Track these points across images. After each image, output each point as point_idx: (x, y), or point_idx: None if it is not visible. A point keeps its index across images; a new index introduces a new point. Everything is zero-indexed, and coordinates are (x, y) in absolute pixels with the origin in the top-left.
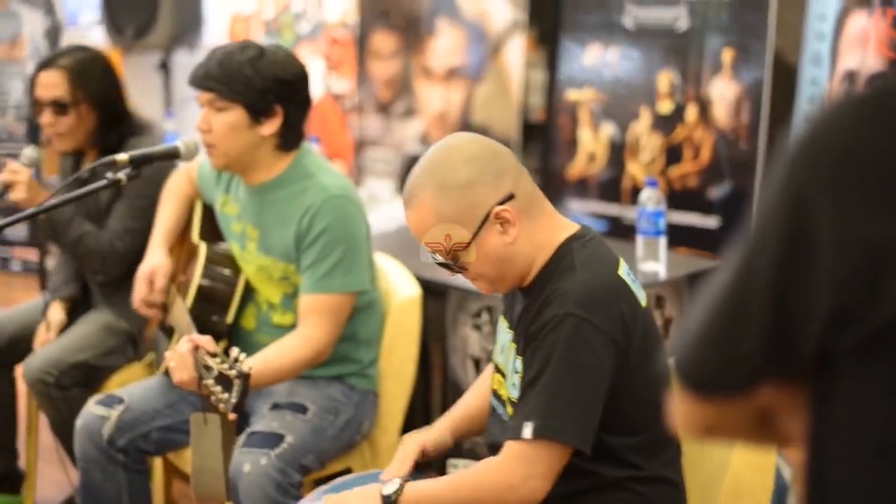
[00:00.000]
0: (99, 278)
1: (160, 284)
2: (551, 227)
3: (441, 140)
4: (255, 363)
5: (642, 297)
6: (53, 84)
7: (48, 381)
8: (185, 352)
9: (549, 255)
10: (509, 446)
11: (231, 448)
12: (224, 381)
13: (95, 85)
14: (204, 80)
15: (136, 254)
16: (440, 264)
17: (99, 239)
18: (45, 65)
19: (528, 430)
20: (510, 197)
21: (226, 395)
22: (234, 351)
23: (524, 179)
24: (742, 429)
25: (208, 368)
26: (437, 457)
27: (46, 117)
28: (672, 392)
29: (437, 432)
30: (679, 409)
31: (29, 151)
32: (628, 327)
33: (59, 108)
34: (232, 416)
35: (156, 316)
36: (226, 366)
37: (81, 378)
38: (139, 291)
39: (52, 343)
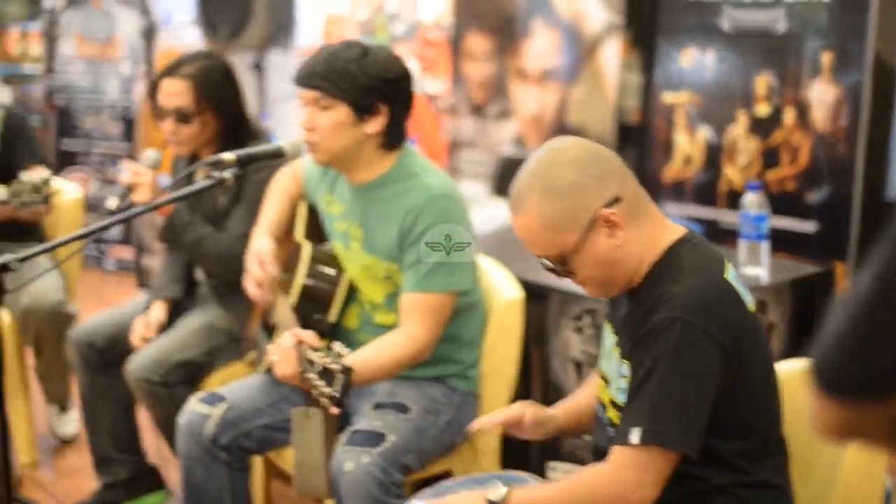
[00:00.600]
0: (213, 281)
1: (270, 265)
2: (658, 230)
3: (544, 144)
4: (358, 359)
5: (750, 301)
6: (177, 93)
7: (153, 379)
8: (288, 346)
9: (655, 257)
10: (617, 452)
11: (333, 443)
12: (327, 375)
13: (218, 94)
14: (309, 78)
15: None
16: (548, 269)
17: (217, 242)
18: (168, 72)
19: (635, 436)
20: (616, 199)
21: (328, 390)
22: (337, 346)
23: (629, 182)
24: (881, 434)
25: (311, 363)
26: (543, 435)
27: (169, 125)
28: (810, 395)
29: (549, 409)
30: (817, 412)
31: (151, 153)
32: (737, 331)
33: (183, 116)
34: (334, 411)
35: (266, 300)
36: (329, 360)
37: (185, 376)
38: (251, 271)
39: (157, 342)
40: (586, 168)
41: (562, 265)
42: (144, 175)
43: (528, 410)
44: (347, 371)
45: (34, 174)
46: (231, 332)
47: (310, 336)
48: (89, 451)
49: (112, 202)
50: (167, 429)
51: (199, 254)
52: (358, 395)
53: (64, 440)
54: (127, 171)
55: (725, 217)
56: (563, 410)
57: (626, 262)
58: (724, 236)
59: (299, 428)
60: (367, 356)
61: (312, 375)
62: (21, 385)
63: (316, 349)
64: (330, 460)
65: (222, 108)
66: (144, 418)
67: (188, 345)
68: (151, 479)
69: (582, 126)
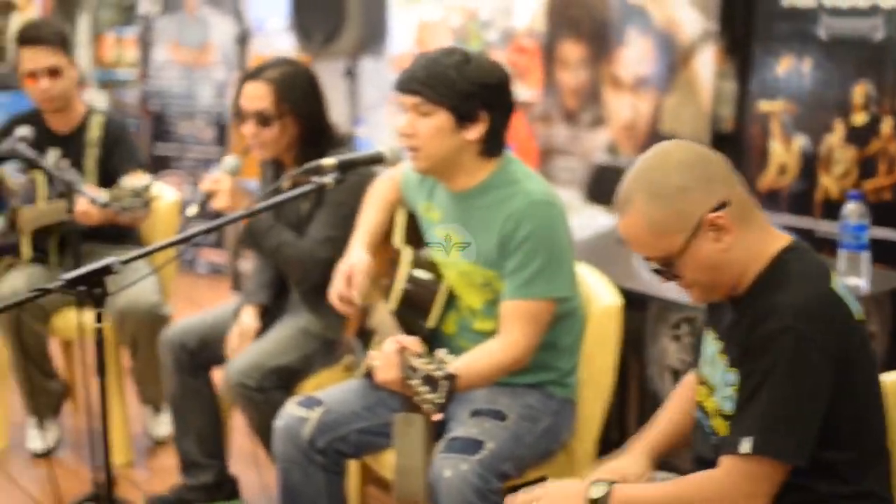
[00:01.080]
0: (299, 287)
1: (358, 281)
2: (764, 237)
3: (652, 147)
4: (460, 365)
5: (857, 310)
6: (259, 96)
7: (250, 384)
8: (391, 352)
9: (762, 265)
10: (727, 461)
11: (432, 449)
12: (430, 381)
13: (300, 98)
14: (409, 84)
15: (337, 262)
16: (654, 271)
17: (299, 247)
18: (251, 76)
19: (746, 446)
20: (724, 203)
21: (431, 396)
22: (440, 352)
23: (737, 186)
24: None
25: (414, 369)
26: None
27: (250, 128)
28: None
29: (639, 464)
30: None
31: (230, 160)
32: (845, 341)
33: (263, 119)
34: (437, 417)
35: (351, 314)
36: (432, 366)
37: (281, 381)
38: (336, 286)
39: (252, 347)
40: (693, 171)
41: (667, 268)
42: (223, 182)
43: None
44: (451, 378)
45: (135, 179)
46: (324, 336)
47: (412, 342)
48: (177, 453)
49: (191, 210)
50: (263, 433)
51: (280, 259)
52: (455, 401)
53: (157, 441)
54: (206, 179)
55: (821, 227)
56: (648, 446)
57: (732, 267)
58: (820, 246)
59: (401, 434)
60: (469, 362)
61: (416, 382)
62: (116, 386)
63: (419, 355)
64: (429, 467)
65: (303, 113)
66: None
67: (283, 350)
68: (230, 488)
69: (675, 134)
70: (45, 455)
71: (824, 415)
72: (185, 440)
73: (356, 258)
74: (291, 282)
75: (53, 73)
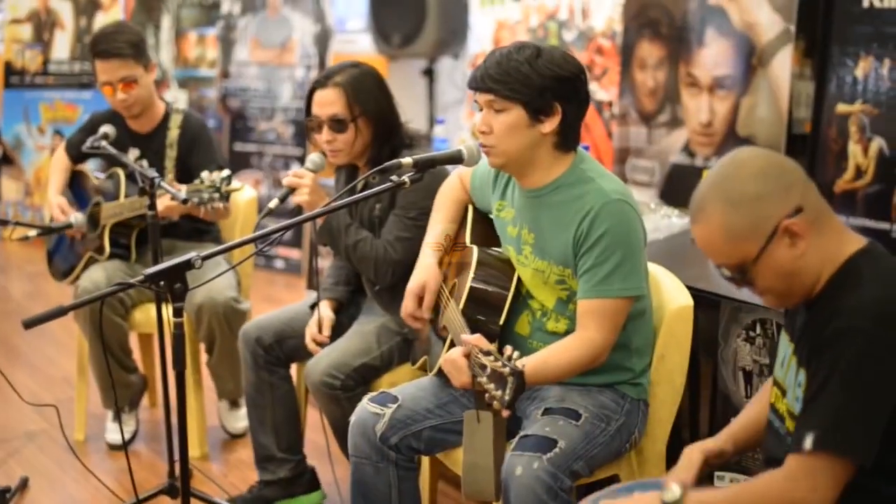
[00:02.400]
0: (374, 286)
1: (428, 302)
2: (839, 241)
3: (727, 156)
4: (532, 360)
5: None
6: (330, 101)
7: (334, 384)
8: (457, 357)
9: (835, 267)
10: (791, 459)
11: (503, 447)
12: (498, 378)
13: (370, 100)
14: (482, 81)
15: (409, 262)
16: (727, 278)
17: (374, 246)
18: (319, 84)
19: (809, 441)
20: (799, 210)
21: (499, 393)
22: (508, 349)
23: (812, 193)
24: None
25: (482, 367)
26: (718, 466)
27: (325, 134)
28: None
29: (719, 443)
30: None
31: (315, 157)
32: None
33: (337, 124)
34: (506, 413)
35: (422, 329)
36: (499, 364)
37: (363, 379)
38: (407, 306)
39: (334, 346)
40: (770, 179)
41: (741, 274)
42: (305, 178)
43: (708, 453)
44: (518, 374)
45: (214, 174)
46: (402, 333)
47: (478, 339)
48: (252, 447)
49: (273, 202)
50: (342, 430)
51: (355, 257)
52: (528, 399)
53: (233, 434)
54: (289, 174)
55: None
56: (732, 433)
57: (806, 273)
58: None
59: (470, 431)
60: (542, 357)
61: (483, 380)
62: (193, 380)
63: (487, 353)
64: (500, 464)
65: (375, 114)
66: (310, 418)
67: (366, 349)
68: (309, 480)
69: (752, 135)
70: (122, 447)
71: (891, 417)
72: (261, 434)
73: (425, 276)
74: (365, 280)
75: (127, 83)
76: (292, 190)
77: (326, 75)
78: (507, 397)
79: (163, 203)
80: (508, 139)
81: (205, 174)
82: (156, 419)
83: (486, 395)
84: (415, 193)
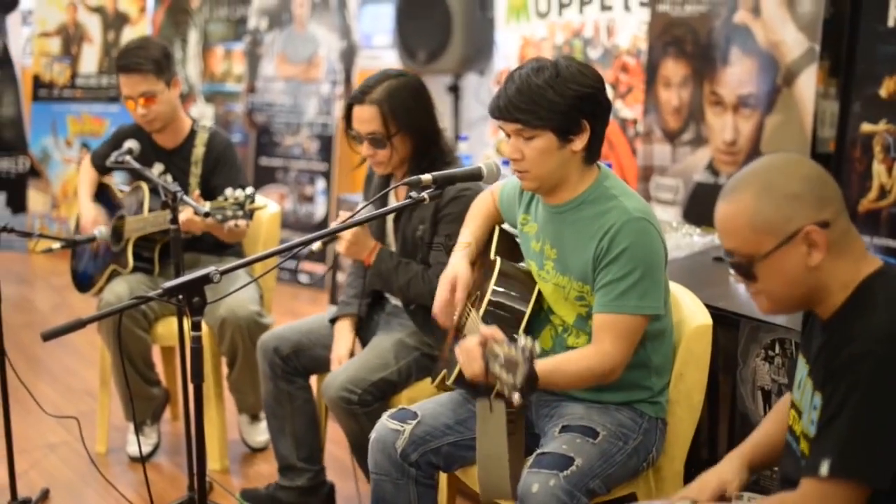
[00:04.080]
0: (418, 309)
1: (461, 292)
2: (856, 265)
3: (780, 153)
4: (546, 361)
5: None
6: (368, 119)
7: (352, 398)
8: (472, 346)
9: (851, 290)
10: (806, 484)
11: (520, 442)
12: (511, 365)
13: (407, 114)
14: (508, 111)
15: None
16: (731, 264)
17: (425, 279)
18: (357, 99)
19: (825, 468)
20: (826, 224)
21: (510, 379)
22: (522, 338)
23: (843, 216)
24: None
25: (495, 356)
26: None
27: (365, 149)
28: None
29: (734, 468)
30: None
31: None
32: None
33: (377, 142)
34: (516, 399)
35: (451, 325)
36: (512, 351)
37: (381, 394)
38: (441, 295)
39: (352, 361)
40: (812, 185)
41: (747, 266)
42: (349, 233)
43: (725, 478)
44: (530, 360)
45: (238, 191)
46: (420, 348)
47: (496, 330)
48: (275, 456)
49: (316, 246)
50: (360, 445)
51: (411, 294)
52: (547, 417)
53: (254, 448)
54: (338, 218)
55: None
56: (745, 455)
57: (811, 287)
58: None
59: (483, 420)
60: (558, 360)
61: (496, 367)
62: (215, 393)
63: (502, 342)
64: (516, 466)
65: (413, 128)
66: (333, 434)
67: (384, 364)
68: (326, 495)
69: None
70: (144, 460)
71: None
72: (281, 444)
73: (458, 269)
74: (405, 305)
75: (148, 98)
76: (335, 236)
77: (363, 90)
78: (517, 382)
79: (185, 216)
80: (541, 164)
81: (228, 191)
82: (178, 432)
83: (498, 382)
84: (458, 224)
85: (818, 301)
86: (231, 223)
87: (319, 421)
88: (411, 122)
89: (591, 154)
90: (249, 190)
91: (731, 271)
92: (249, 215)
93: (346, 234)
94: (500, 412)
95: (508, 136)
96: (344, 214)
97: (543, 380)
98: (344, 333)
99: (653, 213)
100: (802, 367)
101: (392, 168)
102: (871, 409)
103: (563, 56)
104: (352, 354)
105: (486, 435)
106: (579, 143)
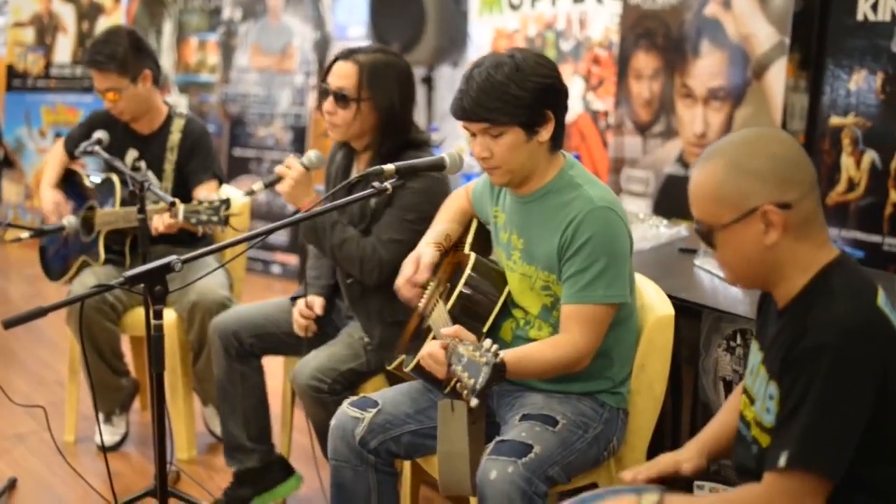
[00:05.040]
0: (354, 285)
1: (425, 262)
2: (816, 252)
3: (764, 127)
4: (512, 352)
5: None
6: (344, 75)
7: (322, 387)
8: (435, 350)
9: (808, 278)
10: (768, 477)
11: (480, 441)
12: (473, 367)
13: (383, 89)
14: (474, 111)
15: (397, 265)
16: (697, 231)
17: (361, 245)
18: (344, 55)
19: (783, 459)
20: (787, 206)
21: (472, 381)
22: (488, 342)
23: (810, 201)
24: None
25: (459, 357)
26: (691, 477)
27: (328, 105)
28: None
29: (692, 455)
30: None
31: (312, 153)
32: (886, 359)
33: (342, 99)
34: (473, 402)
35: (415, 299)
36: (477, 353)
37: (350, 384)
38: (405, 271)
39: (322, 351)
40: (777, 165)
41: (708, 235)
42: (294, 169)
43: (680, 462)
44: (494, 365)
45: (213, 195)
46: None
47: (460, 330)
48: (223, 437)
49: (257, 185)
50: (326, 434)
51: (341, 255)
52: (508, 406)
53: (220, 438)
54: (283, 162)
55: (890, 242)
56: (702, 443)
57: (769, 267)
58: (888, 262)
59: (444, 420)
60: (523, 351)
61: (458, 368)
62: (183, 384)
63: (467, 343)
64: (477, 460)
65: (382, 104)
66: (298, 421)
67: (354, 354)
68: (281, 469)
69: None
70: (112, 449)
71: (867, 432)
72: (231, 424)
73: (424, 250)
74: (344, 277)
75: (113, 93)
76: (279, 178)
77: (353, 50)
78: (477, 385)
79: (164, 222)
80: (511, 159)
81: (203, 194)
82: (147, 422)
83: (459, 384)
84: (415, 195)
85: (775, 282)
86: (205, 228)
87: (268, 401)
88: (384, 97)
89: (556, 142)
90: (224, 195)
91: (700, 237)
92: (224, 221)
93: (292, 173)
94: (461, 411)
95: (474, 135)
96: (290, 158)
97: (511, 368)
98: (312, 298)
99: (617, 201)
100: (756, 354)
101: (348, 136)
102: (829, 402)
103: (516, 49)
104: (318, 342)
105: (447, 434)
106: (545, 133)
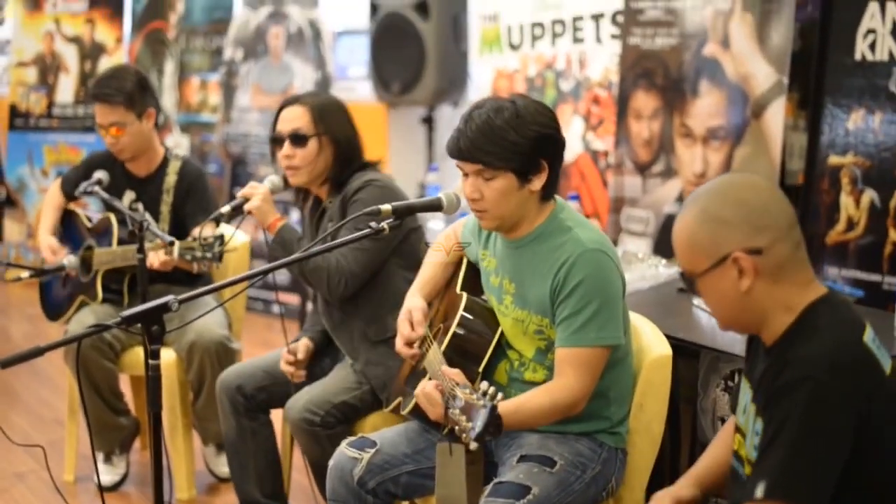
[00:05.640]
0: (333, 311)
1: (418, 318)
2: (800, 292)
3: (736, 173)
4: (508, 404)
5: (887, 365)
6: (295, 117)
7: (314, 420)
8: (430, 390)
9: (793, 318)
10: None
11: (478, 484)
12: (470, 410)
13: (335, 122)
14: (470, 152)
15: (363, 275)
16: (681, 278)
17: (326, 258)
18: (287, 102)
19: (760, 490)
20: (758, 251)
21: (469, 424)
22: (485, 384)
23: (783, 244)
24: None
25: (455, 399)
26: None
27: (285, 149)
28: None
29: (688, 487)
30: None
31: (274, 178)
32: (870, 395)
33: (299, 138)
34: (472, 446)
35: (415, 357)
36: (474, 397)
37: (343, 417)
38: (402, 332)
39: (316, 385)
40: (744, 212)
41: (689, 282)
42: (259, 188)
43: (678, 498)
44: (491, 408)
45: (208, 231)
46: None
47: (458, 374)
48: (236, 493)
49: (225, 208)
50: (321, 469)
51: (306, 269)
52: (505, 447)
53: (221, 478)
54: (246, 186)
55: (890, 281)
56: (696, 476)
57: (750, 311)
58: (888, 300)
59: (443, 463)
60: (520, 400)
61: (455, 411)
62: (183, 424)
63: (463, 386)
64: (475, 502)
65: (338, 135)
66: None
67: (347, 388)
68: None
69: None
70: (111, 489)
71: (848, 467)
72: (244, 483)
73: (413, 303)
74: (320, 299)
75: (118, 128)
76: (246, 200)
77: (295, 97)
78: (476, 429)
79: (158, 259)
80: (501, 204)
81: (196, 231)
82: (147, 462)
83: (457, 427)
84: (364, 205)
85: (760, 325)
86: (200, 265)
87: (280, 456)
88: (338, 129)
89: (548, 191)
90: (219, 231)
91: (686, 286)
92: (219, 257)
93: (259, 191)
94: (459, 454)
95: (466, 175)
96: (253, 183)
97: (507, 419)
98: (300, 347)
99: (608, 243)
100: (746, 392)
101: (311, 176)
102: (808, 433)
103: (518, 95)
104: (311, 379)
105: (445, 476)
106: (538, 182)
